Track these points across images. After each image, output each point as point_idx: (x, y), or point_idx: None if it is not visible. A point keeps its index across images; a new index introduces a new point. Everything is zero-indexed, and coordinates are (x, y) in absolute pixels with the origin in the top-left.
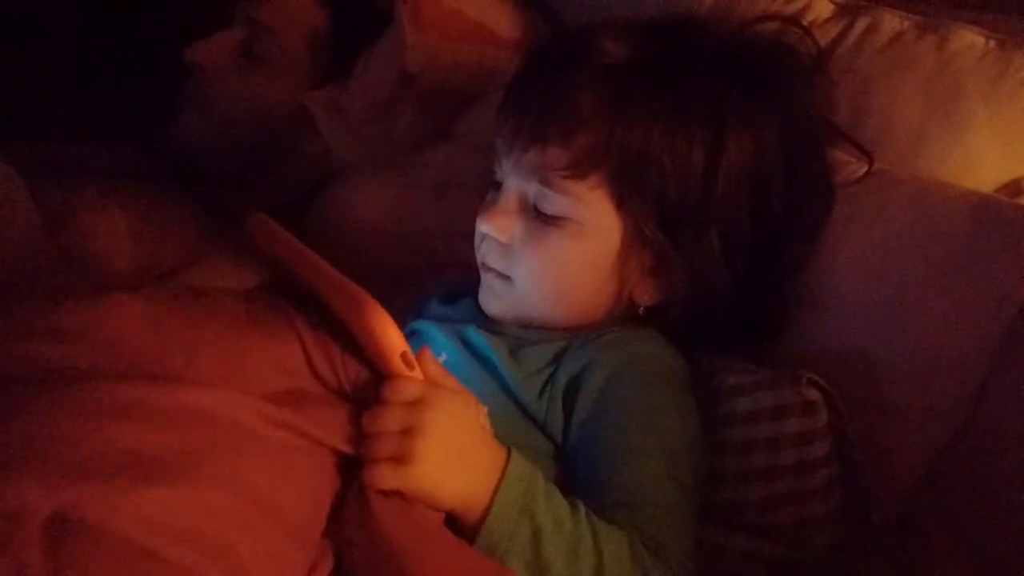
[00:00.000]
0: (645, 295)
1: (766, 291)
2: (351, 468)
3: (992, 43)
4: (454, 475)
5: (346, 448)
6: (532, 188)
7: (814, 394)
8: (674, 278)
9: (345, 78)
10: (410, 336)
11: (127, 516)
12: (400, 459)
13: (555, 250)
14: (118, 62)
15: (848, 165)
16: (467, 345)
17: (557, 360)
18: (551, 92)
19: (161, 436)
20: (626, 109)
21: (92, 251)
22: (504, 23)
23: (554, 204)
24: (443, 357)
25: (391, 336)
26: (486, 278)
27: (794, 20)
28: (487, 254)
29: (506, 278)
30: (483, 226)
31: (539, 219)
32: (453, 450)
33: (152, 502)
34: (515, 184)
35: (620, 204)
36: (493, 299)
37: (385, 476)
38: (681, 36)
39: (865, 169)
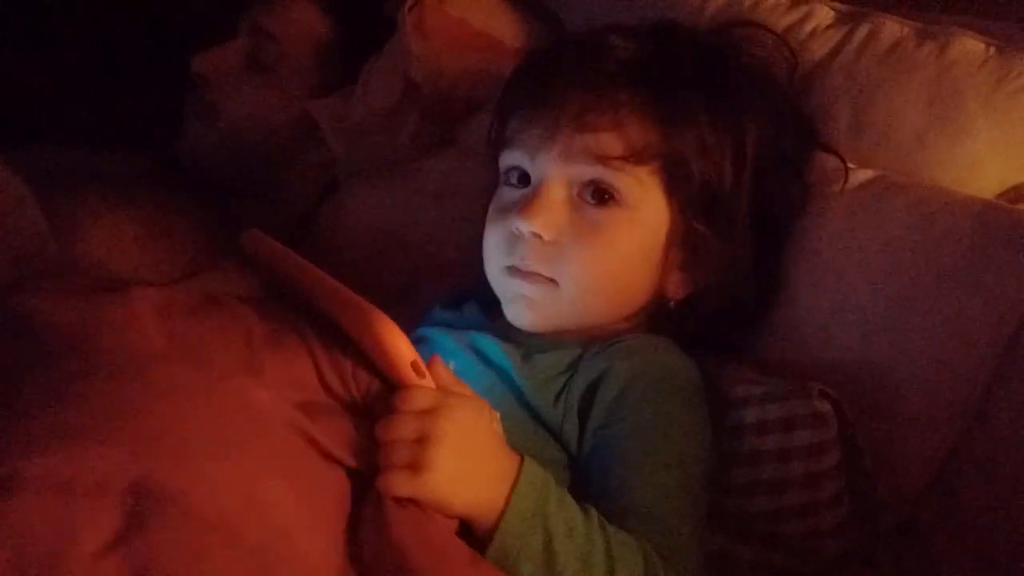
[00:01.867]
0: (677, 289)
1: (765, 274)
2: (361, 484)
3: (992, 49)
4: (468, 482)
5: (357, 462)
6: (589, 172)
7: (825, 406)
8: (702, 271)
9: (350, 87)
10: (417, 343)
11: (203, 486)
12: (414, 467)
13: (609, 238)
14: (125, 70)
15: (839, 172)
16: (478, 352)
17: (573, 367)
18: (591, 82)
19: (222, 418)
20: (668, 104)
21: (99, 258)
22: (509, 32)
23: (616, 184)
24: (452, 364)
25: (400, 346)
26: (522, 286)
27: (761, 25)
28: (526, 258)
29: (551, 282)
30: (525, 225)
31: (590, 207)
32: (467, 457)
33: (225, 475)
34: (560, 173)
35: (670, 194)
36: (529, 310)
37: (400, 483)
38: (670, 36)
39: (870, 176)
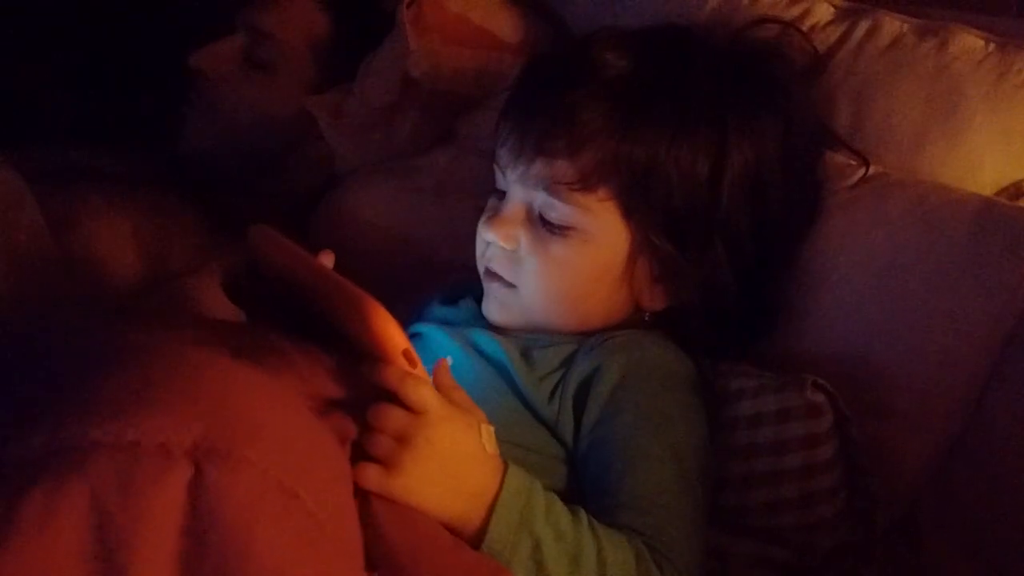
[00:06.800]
0: (653, 301)
1: (765, 291)
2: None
3: (992, 46)
4: (441, 494)
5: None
6: (538, 198)
7: (819, 397)
8: (681, 284)
9: (348, 83)
10: (412, 339)
11: (257, 448)
12: (388, 464)
13: (562, 259)
14: (124, 68)
15: (848, 168)
16: (476, 348)
17: (567, 363)
18: (555, 106)
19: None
20: (632, 123)
21: (97, 256)
22: (508, 28)
23: (561, 214)
24: (449, 361)
25: (393, 334)
26: (491, 286)
27: (790, 24)
28: (492, 261)
29: (511, 286)
30: (488, 235)
31: (545, 228)
32: (443, 472)
33: (276, 439)
34: (520, 194)
35: (627, 215)
36: (497, 307)
37: (371, 478)
38: (679, 45)
39: (863, 173)
